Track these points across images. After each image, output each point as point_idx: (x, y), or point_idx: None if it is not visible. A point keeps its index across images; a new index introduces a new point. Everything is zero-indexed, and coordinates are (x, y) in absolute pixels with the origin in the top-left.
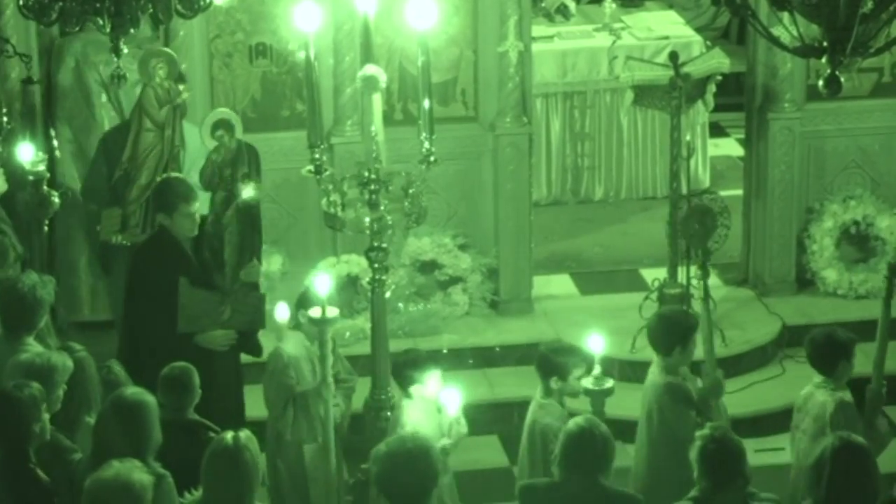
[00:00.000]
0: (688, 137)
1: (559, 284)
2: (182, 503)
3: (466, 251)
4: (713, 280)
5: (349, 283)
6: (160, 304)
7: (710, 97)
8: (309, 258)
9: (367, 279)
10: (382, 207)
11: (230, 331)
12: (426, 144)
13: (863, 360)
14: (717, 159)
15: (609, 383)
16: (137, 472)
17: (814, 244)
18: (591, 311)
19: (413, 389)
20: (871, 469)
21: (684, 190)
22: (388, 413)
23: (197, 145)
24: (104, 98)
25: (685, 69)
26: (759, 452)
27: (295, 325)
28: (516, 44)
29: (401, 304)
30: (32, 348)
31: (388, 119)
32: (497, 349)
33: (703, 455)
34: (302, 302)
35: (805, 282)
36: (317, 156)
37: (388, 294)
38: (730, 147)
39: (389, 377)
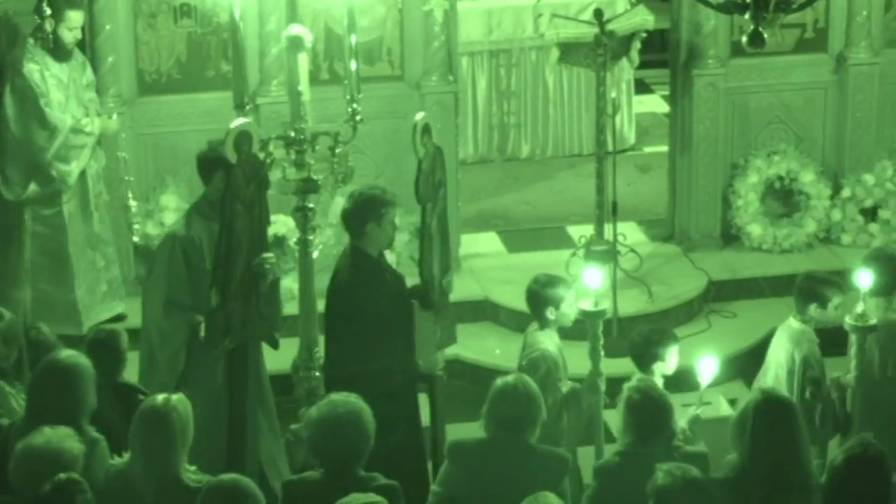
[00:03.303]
0: (613, 94)
1: (486, 242)
2: (112, 466)
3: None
4: (639, 236)
5: (276, 244)
6: (373, 334)
7: (634, 54)
8: None
9: (294, 239)
10: (309, 167)
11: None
12: (353, 104)
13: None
14: (642, 116)
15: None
16: (69, 441)
17: (739, 199)
18: (519, 268)
19: (655, 367)
20: (793, 423)
21: (610, 147)
22: (317, 373)
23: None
24: None
25: (610, 26)
26: (686, 407)
27: (540, 325)
28: (441, 2)
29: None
30: None
31: (313, 79)
32: None
33: (629, 407)
34: (547, 300)
35: (730, 237)
36: (242, 116)
37: (315, 254)
38: (655, 104)
39: (317, 337)
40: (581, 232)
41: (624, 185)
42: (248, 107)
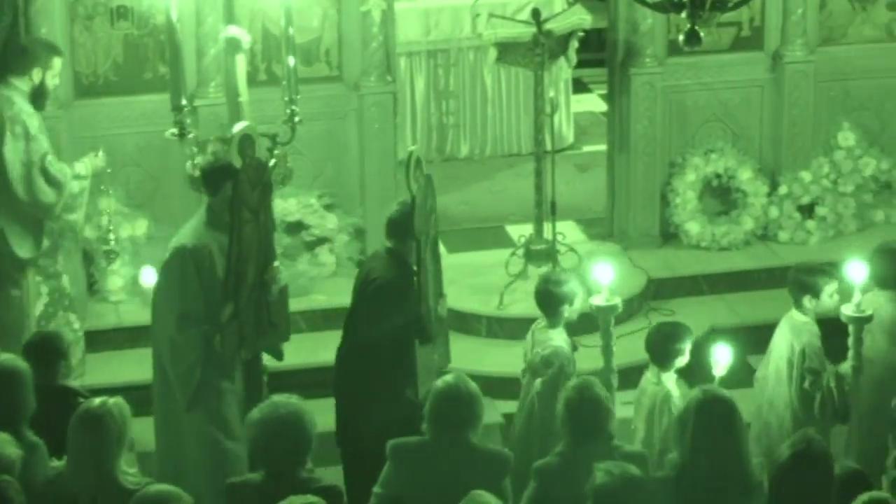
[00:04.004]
0: (551, 94)
1: None
2: (52, 468)
3: (333, 211)
4: (578, 235)
5: None
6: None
7: (572, 53)
8: (174, 222)
9: None
10: None
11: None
12: (291, 105)
13: (726, 312)
14: (580, 115)
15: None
16: (6, 446)
17: (677, 198)
18: (458, 268)
19: (676, 362)
20: (734, 422)
21: (549, 146)
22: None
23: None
24: None
25: (547, 26)
26: (627, 405)
27: (551, 323)
28: (379, 3)
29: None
30: None
31: (251, 80)
32: None
33: (567, 408)
34: (563, 298)
35: (669, 235)
36: (180, 118)
37: None
38: (593, 103)
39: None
40: (520, 231)
41: (563, 184)
42: (185, 108)
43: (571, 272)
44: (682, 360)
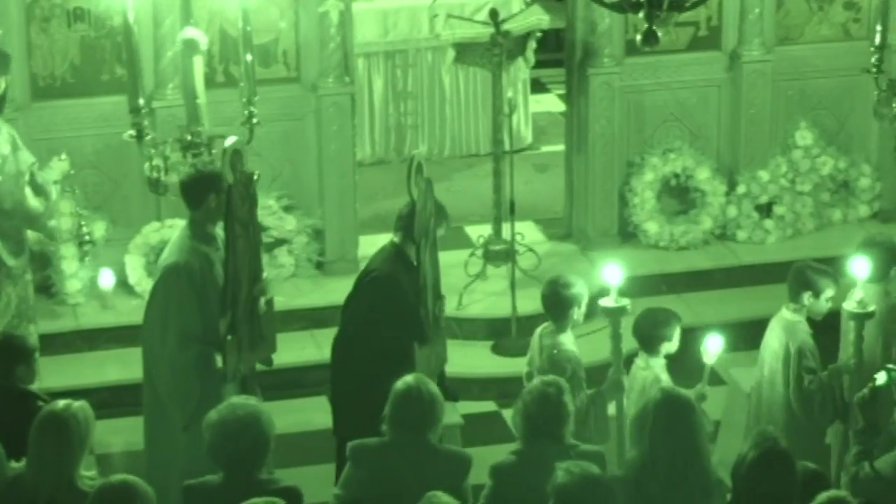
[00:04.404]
0: (509, 94)
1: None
2: (12, 470)
3: (291, 212)
4: (537, 235)
5: None
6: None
7: (530, 54)
8: (132, 224)
9: None
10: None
11: None
12: (249, 107)
13: (685, 312)
14: (538, 115)
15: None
16: None
17: (635, 197)
18: None
19: (663, 347)
20: (693, 422)
21: (507, 146)
22: None
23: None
24: None
25: (505, 26)
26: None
27: (559, 326)
28: (337, 3)
29: None
30: None
31: (209, 82)
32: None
33: (524, 406)
34: (572, 301)
35: (627, 235)
36: (138, 120)
37: None
38: (551, 103)
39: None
40: (479, 231)
41: (521, 185)
42: (143, 110)
43: (577, 275)
44: (670, 346)
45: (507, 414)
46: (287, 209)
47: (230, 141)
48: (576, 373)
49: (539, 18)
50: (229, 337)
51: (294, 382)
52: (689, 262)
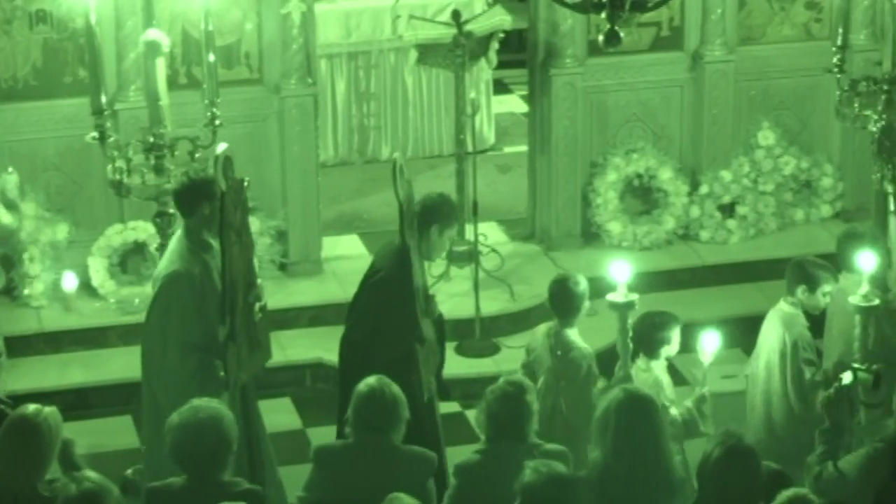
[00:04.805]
0: (472, 95)
1: (348, 245)
2: None
3: (254, 214)
4: (500, 236)
5: (137, 250)
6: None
7: (493, 54)
8: (95, 226)
9: (155, 245)
10: (169, 173)
11: None
12: (212, 108)
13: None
14: (501, 116)
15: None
16: None
17: (598, 198)
18: None
19: (663, 350)
20: (655, 421)
21: (470, 147)
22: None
23: None
24: None
25: (468, 27)
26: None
27: (567, 323)
28: (299, 5)
29: None
30: None
31: (171, 83)
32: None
33: (488, 406)
34: (583, 296)
35: (590, 235)
36: (100, 122)
37: None
38: (514, 104)
39: None
40: None
41: (484, 186)
42: (105, 112)
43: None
44: (670, 349)
45: (471, 414)
46: (250, 210)
47: (221, 147)
48: (590, 369)
49: (501, 19)
50: (230, 344)
51: (258, 384)
52: (653, 263)
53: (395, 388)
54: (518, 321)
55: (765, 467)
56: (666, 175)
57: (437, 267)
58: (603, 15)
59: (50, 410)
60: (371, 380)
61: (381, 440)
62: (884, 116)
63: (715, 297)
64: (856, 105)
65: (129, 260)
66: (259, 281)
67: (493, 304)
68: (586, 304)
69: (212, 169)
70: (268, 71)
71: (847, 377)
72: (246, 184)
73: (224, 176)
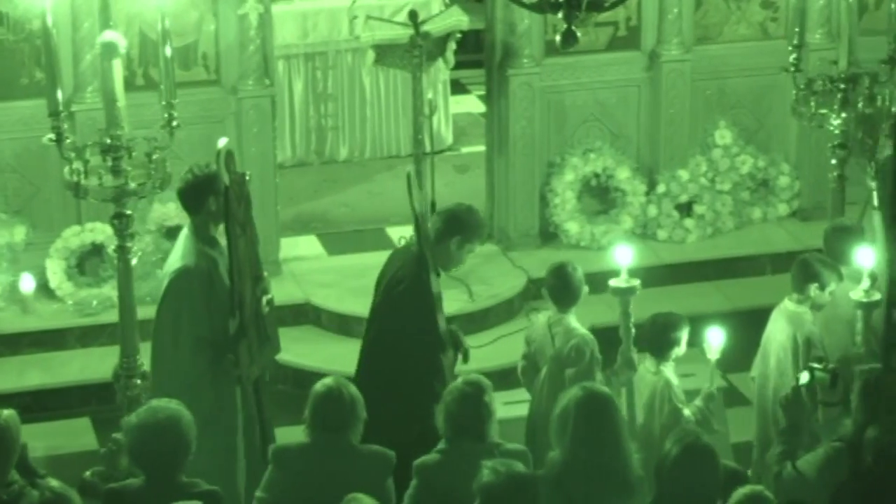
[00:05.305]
0: (430, 95)
1: (306, 246)
2: None
3: None
4: None
5: (94, 252)
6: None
7: (450, 55)
8: (53, 227)
9: (113, 247)
10: (126, 174)
11: None
12: (169, 109)
13: (606, 311)
14: (459, 116)
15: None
16: None
17: (556, 197)
18: (339, 270)
19: (673, 352)
20: (614, 418)
21: (428, 148)
22: (139, 381)
23: None
24: None
25: (425, 27)
26: (509, 405)
27: (564, 310)
28: (256, 6)
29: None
30: None
31: (128, 85)
32: None
33: (447, 405)
34: (581, 283)
35: (548, 235)
36: (57, 124)
37: (134, 261)
38: (471, 104)
39: (138, 345)
40: (401, 233)
41: (442, 186)
42: (62, 114)
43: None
44: (680, 350)
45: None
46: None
47: (222, 142)
48: (593, 355)
49: (458, 20)
50: (242, 339)
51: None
52: (610, 262)
53: (353, 389)
54: (476, 321)
55: (723, 466)
56: (623, 174)
57: None
58: (560, 15)
59: (9, 413)
60: (328, 380)
61: (338, 440)
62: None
63: (673, 296)
64: (812, 104)
65: (87, 262)
66: (265, 274)
67: (452, 303)
68: (584, 289)
69: (214, 164)
70: (225, 72)
71: (805, 377)
72: (248, 177)
73: (227, 170)
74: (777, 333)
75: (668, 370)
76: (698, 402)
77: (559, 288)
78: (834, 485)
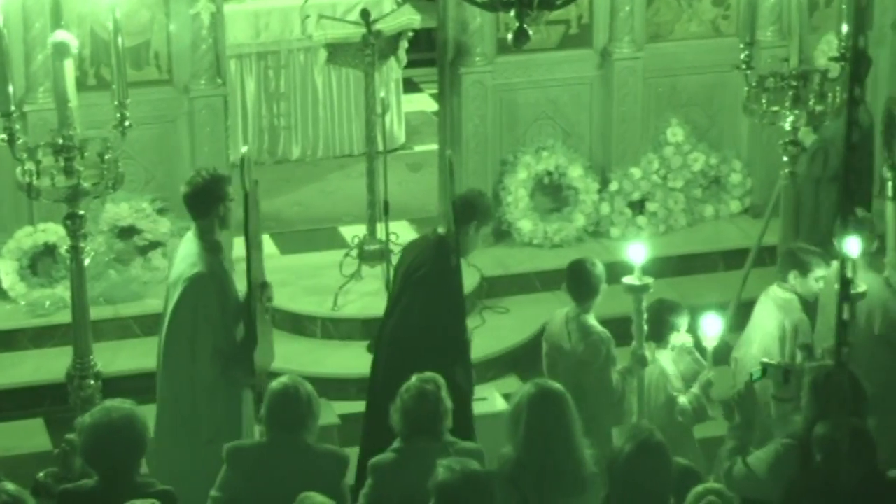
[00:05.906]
0: (382, 94)
1: None
2: None
3: (165, 215)
4: (411, 235)
5: (47, 252)
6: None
7: (402, 53)
8: (5, 228)
9: (66, 247)
10: (79, 174)
11: None
12: (121, 109)
13: (556, 305)
14: (411, 115)
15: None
16: None
17: (509, 195)
18: (292, 270)
19: (672, 337)
20: (567, 414)
21: (381, 146)
22: (92, 381)
23: None
24: None
25: (377, 26)
26: (479, 401)
27: (585, 308)
28: (208, 5)
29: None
30: None
31: (80, 85)
32: None
33: (403, 404)
34: (600, 278)
35: (501, 233)
36: (9, 124)
37: (87, 261)
38: (424, 102)
39: (91, 345)
40: (354, 232)
41: (395, 185)
42: (14, 114)
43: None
44: (678, 337)
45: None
46: (161, 212)
47: (245, 149)
48: (609, 352)
49: (410, 18)
50: (254, 345)
51: None
52: (564, 260)
53: (309, 387)
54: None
55: (675, 463)
56: (576, 172)
57: (348, 266)
58: (511, 13)
59: None
60: (284, 378)
61: (294, 439)
62: None
63: (626, 294)
64: (764, 101)
65: (40, 262)
66: (269, 281)
67: None
68: (603, 286)
69: (223, 171)
70: (177, 71)
71: (757, 372)
72: (256, 182)
73: (249, 176)
74: (764, 320)
75: (664, 358)
76: (695, 389)
77: (578, 283)
78: (784, 481)
